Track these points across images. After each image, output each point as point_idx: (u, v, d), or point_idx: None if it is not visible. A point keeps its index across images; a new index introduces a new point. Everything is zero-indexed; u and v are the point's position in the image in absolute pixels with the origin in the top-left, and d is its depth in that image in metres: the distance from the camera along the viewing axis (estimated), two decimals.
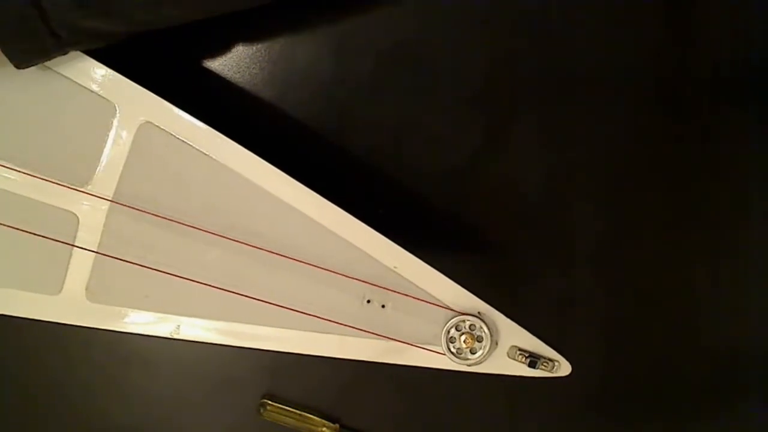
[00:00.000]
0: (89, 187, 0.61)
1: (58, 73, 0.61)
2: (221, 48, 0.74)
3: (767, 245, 0.75)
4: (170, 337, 0.62)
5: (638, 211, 0.75)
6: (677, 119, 0.74)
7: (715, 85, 0.74)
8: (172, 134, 0.61)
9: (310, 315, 0.60)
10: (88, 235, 0.61)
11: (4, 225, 0.61)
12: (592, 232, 0.75)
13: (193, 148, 0.61)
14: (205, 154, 0.61)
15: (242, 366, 0.76)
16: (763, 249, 0.75)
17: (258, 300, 0.60)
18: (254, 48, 0.74)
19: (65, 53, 0.59)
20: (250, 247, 0.60)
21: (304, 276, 0.60)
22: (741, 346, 0.76)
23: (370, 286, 0.60)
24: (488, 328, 0.59)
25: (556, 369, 0.61)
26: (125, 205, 0.61)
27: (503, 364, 0.61)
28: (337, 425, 0.76)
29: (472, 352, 0.59)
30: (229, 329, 0.62)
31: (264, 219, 0.61)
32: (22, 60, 0.57)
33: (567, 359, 0.61)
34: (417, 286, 0.60)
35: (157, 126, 0.61)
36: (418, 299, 0.60)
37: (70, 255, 0.61)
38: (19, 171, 0.61)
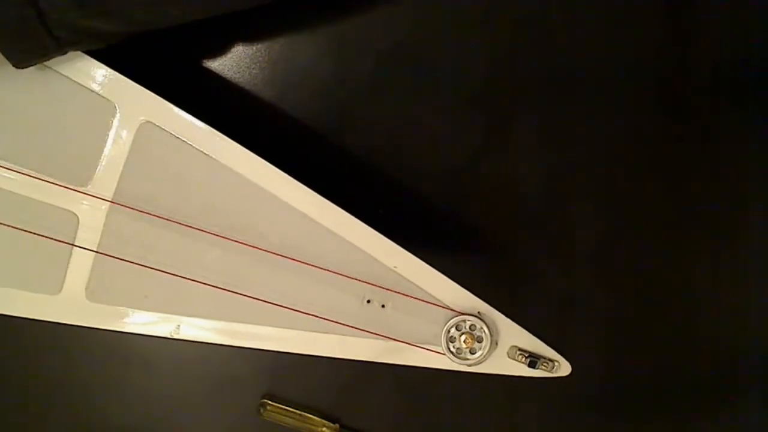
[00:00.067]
0: (89, 186, 0.61)
1: (58, 72, 0.61)
2: (221, 48, 0.74)
3: (767, 245, 0.75)
4: (170, 337, 0.62)
5: (638, 211, 0.75)
6: (677, 119, 0.74)
7: (715, 85, 0.74)
8: (172, 134, 0.61)
9: (310, 315, 0.60)
10: (88, 234, 0.61)
11: (4, 225, 0.61)
12: (592, 232, 0.75)
13: (194, 147, 0.61)
14: (205, 154, 0.61)
15: (242, 366, 0.76)
16: (763, 249, 0.75)
17: (258, 300, 0.60)
18: (254, 48, 0.74)
19: (64, 53, 0.59)
20: (250, 247, 0.60)
21: (304, 276, 0.60)
22: (741, 346, 0.76)
23: (370, 285, 0.60)
24: (488, 328, 0.59)
25: (556, 369, 0.61)
26: (125, 206, 0.61)
27: (503, 364, 0.61)
28: (337, 425, 0.76)
29: (472, 352, 0.59)
30: (228, 329, 0.62)
31: (264, 219, 0.61)
32: (20, 60, 0.58)
33: (567, 359, 0.61)
34: (417, 286, 0.60)
35: (158, 126, 0.61)
36: (418, 299, 0.60)
37: (70, 255, 0.61)
38: (19, 171, 0.61)
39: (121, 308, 0.62)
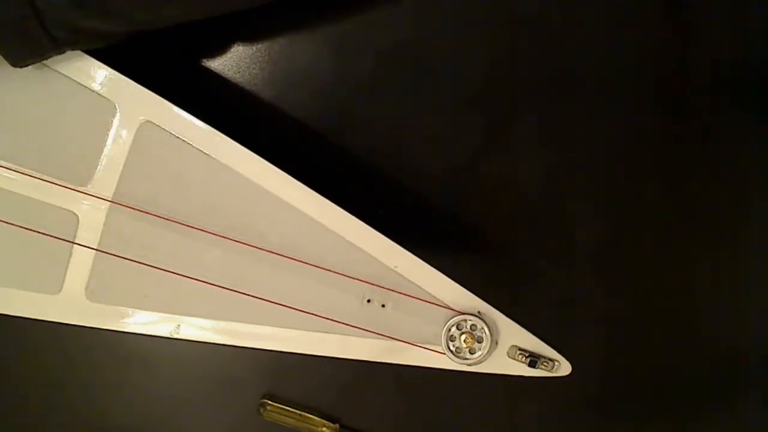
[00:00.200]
0: (89, 186, 0.61)
1: (58, 72, 0.61)
2: (221, 48, 0.74)
3: (767, 245, 0.75)
4: (170, 336, 0.62)
5: (638, 211, 0.75)
6: (677, 119, 0.74)
7: (715, 85, 0.74)
8: (172, 133, 0.61)
9: (310, 314, 0.60)
10: (88, 234, 0.61)
11: (4, 224, 0.61)
12: (592, 232, 0.75)
13: (194, 147, 0.61)
14: (206, 154, 0.61)
15: (242, 366, 0.76)
16: (763, 249, 0.75)
17: (258, 299, 0.60)
18: (254, 48, 0.74)
19: (62, 53, 0.59)
20: (250, 247, 0.60)
21: (305, 275, 0.60)
22: (741, 346, 0.76)
23: (371, 285, 0.60)
24: (488, 328, 0.59)
25: (556, 369, 0.61)
26: (125, 205, 0.61)
27: (503, 364, 0.61)
28: (337, 425, 0.76)
29: (472, 352, 0.59)
30: (229, 329, 0.62)
31: (264, 218, 0.61)
32: (18, 59, 0.57)
33: (567, 359, 0.61)
34: (417, 286, 0.60)
35: (158, 125, 0.61)
36: (419, 299, 0.60)
37: (70, 254, 0.61)
38: (19, 171, 0.61)
39: (121, 308, 0.62)
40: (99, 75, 0.61)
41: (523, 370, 0.61)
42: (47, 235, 0.61)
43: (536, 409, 0.76)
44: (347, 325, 0.60)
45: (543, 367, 0.60)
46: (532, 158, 0.75)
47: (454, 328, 0.59)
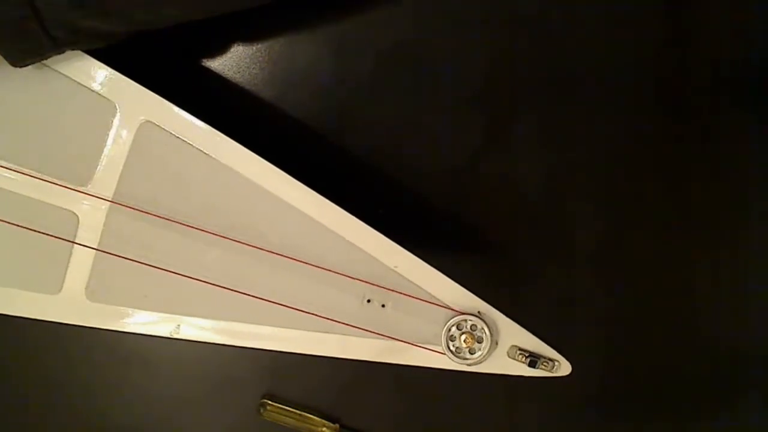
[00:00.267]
0: (89, 186, 0.61)
1: (59, 72, 0.61)
2: (221, 48, 0.74)
3: (767, 245, 0.75)
4: (170, 336, 0.62)
5: (638, 211, 0.75)
6: (677, 119, 0.74)
7: (715, 85, 0.74)
8: (172, 134, 0.61)
9: (310, 314, 0.60)
10: (88, 234, 0.61)
11: (4, 224, 0.61)
12: (592, 232, 0.75)
13: (194, 147, 0.61)
14: (206, 154, 0.61)
15: (242, 366, 0.76)
16: (763, 249, 0.75)
17: (258, 299, 0.60)
18: (254, 48, 0.74)
19: (62, 52, 0.59)
20: (250, 247, 0.60)
21: (304, 275, 0.60)
22: (741, 346, 0.76)
23: (371, 285, 0.60)
24: (488, 328, 0.59)
25: (556, 369, 0.61)
26: (125, 205, 0.61)
27: (503, 364, 0.61)
28: (337, 425, 0.76)
29: (472, 352, 0.59)
30: (229, 329, 0.62)
31: (264, 218, 0.61)
32: (17, 59, 0.57)
33: (567, 359, 0.61)
34: (417, 286, 0.60)
35: (158, 125, 0.61)
36: (419, 299, 0.60)
37: (70, 254, 0.61)
38: (19, 171, 0.61)
39: (121, 308, 0.62)
40: (99, 75, 0.61)
41: (523, 370, 0.61)
42: (47, 234, 0.61)
43: (536, 409, 0.76)
44: (347, 325, 0.60)
45: (543, 367, 0.60)
46: (532, 158, 0.75)
47: (454, 328, 0.59)
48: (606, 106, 0.74)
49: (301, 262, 0.60)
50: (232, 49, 0.74)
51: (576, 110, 0.74)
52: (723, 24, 0.73)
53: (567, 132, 0.74)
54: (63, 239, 0.61)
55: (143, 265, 0.61)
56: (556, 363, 0.60)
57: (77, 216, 0.61)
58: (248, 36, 0.74)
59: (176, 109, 0.61)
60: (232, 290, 0.60)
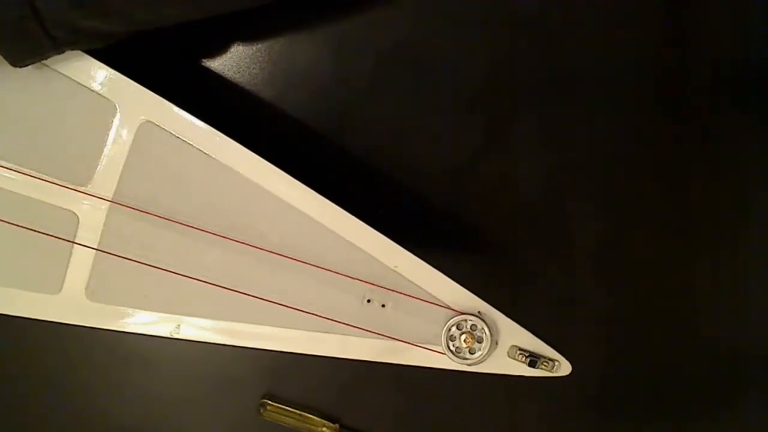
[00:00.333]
0: (89, 186, 0.61)
1: (59, 72, 0.61)
2: (221, 48, 0.74)
3: (767, 245, 0.75)
4: (170, 336, 0.62)
5: (638, 211, 0.75)
6: (677, 119, 0.74)
7: (715, 85, 0.74)
8: (172, 133, 0.61)
9: (310, 314, 0.60)
10: (88, 234, 0.61)
11: (4, 224, 0.61)
12: (592, 232, 0.75)
13: (194, 147, 0.61)
14: (206, 154, 0.61)
15: (242, 366, 0.76)
16: (763, 249, 0.75)
17: (258, 299, 0.60)
18: (254, 48, 0.74)
19: (61, 52, 0.59)
20: (251, 247, 0.60)
21: (305, 275, 0.60)
22: (741, 346, 0.76)
23: (371, 285, 0.60)
24: (488, 328, 0.59)
25: (556, 369, 0.61)
26: (125, 205, 0.61)
27: (503, 364, 0.61)
28: (337, 425, 0.76)
29: (472, 352, 0.59)
30: (229, 328, 0.62)
31: (264, 218, 0.61)
32: (17, 59, 0.57)
33: (567, 359, 0.61)
34: (417, 286, 0.60)
35: (158, 125, 0.61)
36: (419, 299, 0.60)
37: (70, 254, 0.61)
38: (20, 171, 0.61)
39: (121, 308, 0.62)
40: (99, 75, 0.61)
41: (523, 370, 0.61)
42: (47, 234, 0.61)
43: (536, 409, 0.76)
44: (347, 325, 0.60)
45: (543, 367, 0.60)
46: (532, 158, 0.75)
47: (454, 328, 0.59)
48: (606, 106, 0.74)
49: (301, 262, 0.60)
50: (232, 49, 0.74)
51: (576, 110, 0.74)
52: (723, 24, 0.73)
53: (567, 132, 0.74)
54: (63, 239, 0.61)
55: (143, 265, 0.61)
56: (556, 363, 0.60)
57: (77, 216, 0.61)
58: (248, 36, 0.74)
59: (176, 109, 0.61)
60: (232, 290, 0.60)
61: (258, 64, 0.74)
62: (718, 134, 0.74)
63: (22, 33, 0.56)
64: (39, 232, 0.61)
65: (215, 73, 0.74)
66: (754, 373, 0.76)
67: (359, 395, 0.76)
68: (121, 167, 0.61)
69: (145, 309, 0.62)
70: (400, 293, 0.60)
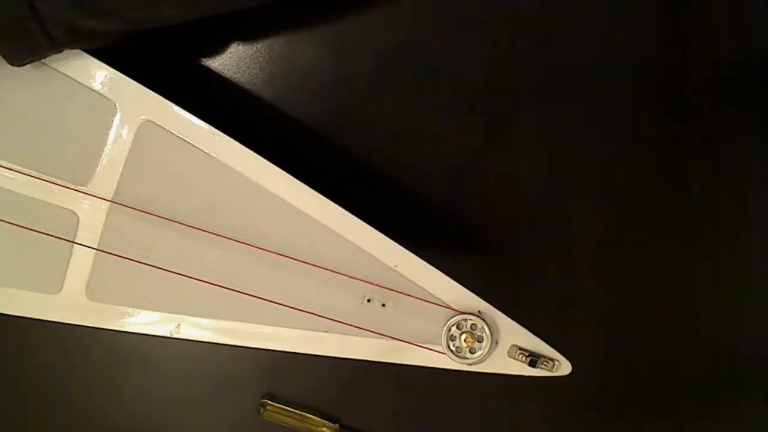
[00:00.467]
0: (89, 186, 0.61)
1: (59, 71, 0.61)
2: (221, 48, 0.74)
3: (767, 245, 0.75)
4: (170, 336, 0.62)
5: (638, 212, 0.75)
6: (677, 119, 0.74)
7: (715, 85, 0.74)
8: (172, 133, 0.61)
9: (310, 314, 0.60)
10: (88, 234, 0.61)
11: (4, 224, 0.61)
12: (592, 232, 0.75)
13: (194, 146, 0.61)
14: (206, 153, 0.61)
15: (242, 366, 0.76)
16: (763, 249, 0.75)
17: (258, 299, 0.60)
18: (254, 48, 0.74)
19: (60, 52, 0.59)
20: (251, 247, 0.60)
21: (305, 275, 0.60)
22: (741, 346, 0.76)
23: (371, 285, 0.60)
24: (489, 328, 0.59)
25: (557, 368, 0.61)
26: (125, 205, 0.61)
27: (503, 364, 0.61)
28: (337, 425, 0.75)
29: (472, 352, 0.59)
30: (229, 328, 0.61)
31: (264, 218, 0.61)
32: (16, 58, 0.57)
33: (567, 359, 0.61)
34: (417, 285, 0.60)
35: (158, 125, 0.61)
36: (419, 298, 0.60)
37: (70, 254, 0.61)
38: (19, 171, 0.61)
39: (121, 307, 0.62)
40: (99, 74, 0.61)
41: (524, 369, 0.61)
42: (47, 234, 0.61)
43: (536, 409, 0.76)
44: (347, 324, 0.60)
45: (543, 366, 0.60)
46: (532, 158, 0.75)
47: (454, 328, 0.59)
48: (606, 106, 0.74)
49: (301, 261, 0.60)
50: (232, 49, 0.74)
51: (576, 110, 0.74)
52: (723, 24, 0.73)
53: (567, 132, 0.74)
54: (63, 239, 0.61)
55: (143, 265, 0.61)
56: (556, 362, 0.60)
57: (77, 216, 0.61)
58: (248, 36, 0.74)
59: (176, 108, 0.61)
60: (232, 290, 0.60)
61: (258, 64, 0.74)
62: (718, 134, 0.74)
63: (21, 32, 0.56)
64: (39, 232, 0.61)
65: (215, 73, 0.74)
66: (754, 373, 0.76)
67: (359, 395, 0.76)
68: (121, 167, 0.61)
69: (145, 309, 0.62)
70: (401, 293, 0.60)
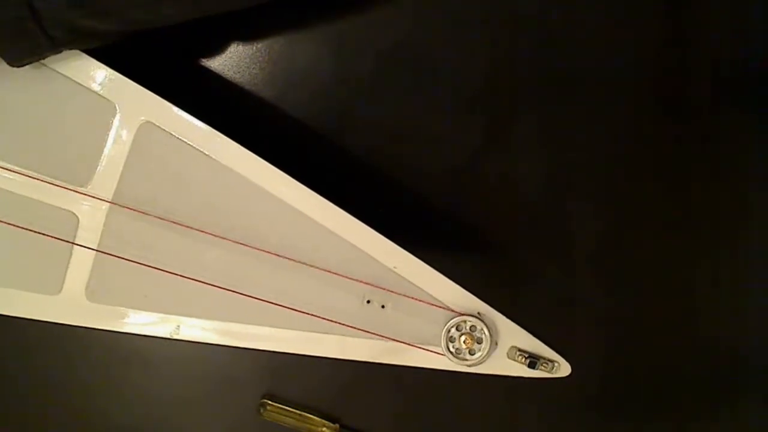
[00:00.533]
0: (89, 187, 0.61)
1: (58, 72, 0.60)
2: (221, 48, 0.74)
3: (767, 245, 0.75)
4: (170, 337, 0.62)
5: (638, 212, 0.75)
6: (677, 119, 0.74)
7: (715, 85, 0.74)
8: (172, 134, 0.61)
9: (310, 315, 0.60)
10: (88, 235, 0.61)
11: (4, 225, 0.61)
12: (592, 232, 0.75)
13: (194, 148, 0.61)
14: (206, 154, 0.61)
15: (242, 366, 0.76)
16: (763, 249, 0.75)
17: (258, 300, 0.60)
18: (254, 48, 0.74)
19: (59, 52, 0.59)
20: (250, 248, 0.60)
21: (304, 276, 0.60)
22: (741, 346, 0.76)
23: (370, 286, 0.60)
24: (488, 329, 0.59)
25: (556, 370, 0.61)
26: (125, 206, 0.61)
27: (503, 365, 0.61)
28: (337, 425, 0.76)
29: (472, 353, 0.59)
30: (228, 329, 0.62)
31: (264, 219, 0.61)
32: (15, 59, 0.57)
33: (567, 359, 0.61)
34: (417, 287, 0.60)
35: (158, 126, 0.61)
36: (418, 300, 0.60)
37: (70, 255, 0.61)
38: (19, 171, 0.61)
39: (120, 308, 0.62)
40: (99, 75, 0.61)
41: (523, 371, 0.60)
42: (47, 235, 0.61)
43: (536, 410, 0.76)
44: (347, 326, 0.60)
45: (543, 368, 0.60)
46: (532, 158, 0.74)
47: (453, 329, 0.59)
48: (606, 106, 0.74)
49: (300, 263, 0.60)
50: (232, 49, 0.74)
51: (576, 110, 0.74)
52: (723, 24, 0.73)
53: (567, 132, 0.74)
54: (63, 240, 0.61)
55: (143, 266, 0.61)
56: (556, 364, 0.60)
57: (77, 216, 0.61)
58: (248, 36, 0.74)
59: (176, 109, 0.61)
60: (231, 291, 0.60)
61: (258, 64, 0.74)
62: (718, 134, 0.74)
63: (20, 32, 0.56)
64: (39, 233, 0.61)
65: (215, 73, 0.74)
66: (754, 373, 0.76)
67: (359, 395, 0.76)
68: (121, 168, 0.61)
69: (145, 309, 0.62)
70: (400, 294, 0.60)
